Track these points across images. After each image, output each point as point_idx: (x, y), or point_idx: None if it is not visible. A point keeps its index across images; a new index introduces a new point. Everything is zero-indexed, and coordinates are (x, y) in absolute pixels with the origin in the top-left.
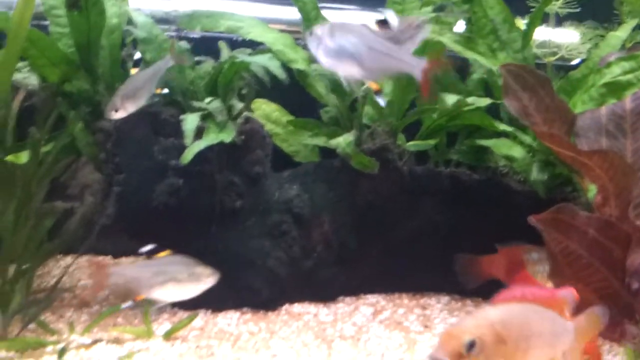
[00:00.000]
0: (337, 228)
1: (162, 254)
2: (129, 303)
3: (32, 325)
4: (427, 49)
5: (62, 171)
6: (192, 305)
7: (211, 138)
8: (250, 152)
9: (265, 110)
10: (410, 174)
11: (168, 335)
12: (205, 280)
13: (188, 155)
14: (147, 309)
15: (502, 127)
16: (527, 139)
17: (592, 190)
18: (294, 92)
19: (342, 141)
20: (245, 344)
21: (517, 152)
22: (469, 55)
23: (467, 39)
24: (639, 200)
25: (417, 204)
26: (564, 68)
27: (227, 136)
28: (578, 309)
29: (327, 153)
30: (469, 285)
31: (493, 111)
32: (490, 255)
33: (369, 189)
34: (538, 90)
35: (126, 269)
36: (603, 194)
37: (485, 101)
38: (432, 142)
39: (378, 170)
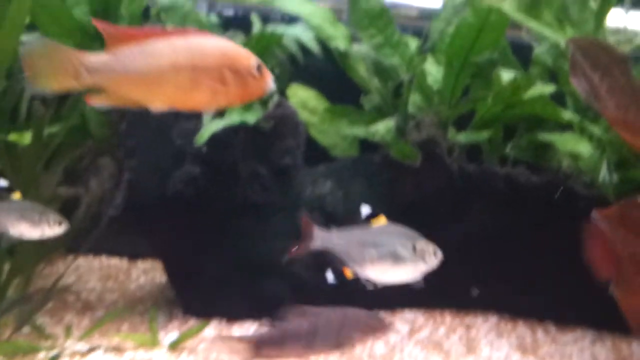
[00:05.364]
0: None
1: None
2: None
3: (27, 330)
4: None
5: (76, 157)
6: (205, 312)
7: (233, 118)
8: (280, 140)
9: (302, 97)
10: (460, 172)
11: (175, 345)
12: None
13: (204, 135)
14: (153, 314)
15: (568, 115)
16: (597, 130)
17: None
18: (333, 76)
19: (382, 127)
20: None
21: (584, 148)
22: (533, 25)
23: (532, 6)
24: None
25: (466, 206)
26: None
27: (252, 117)
28: None
29: (369, 149)
30: None
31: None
32: None
33: (411, 187)
34: (612, 70)
35: None
36: None
37: (548, 88)
38: (485, 134)
39: (423, 167)
